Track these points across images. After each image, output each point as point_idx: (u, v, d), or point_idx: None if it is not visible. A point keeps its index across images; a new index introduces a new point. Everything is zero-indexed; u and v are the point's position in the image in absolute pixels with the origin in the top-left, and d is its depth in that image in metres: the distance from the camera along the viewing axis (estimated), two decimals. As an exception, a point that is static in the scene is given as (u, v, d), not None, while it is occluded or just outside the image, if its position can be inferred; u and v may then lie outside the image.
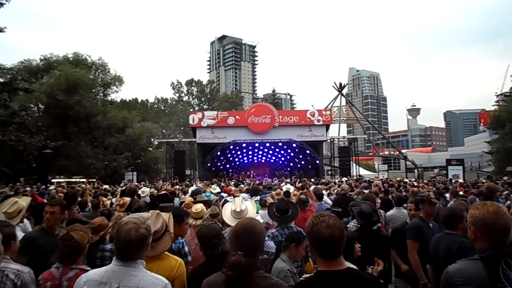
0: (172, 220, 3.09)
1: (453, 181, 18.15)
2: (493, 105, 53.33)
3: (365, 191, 10.84)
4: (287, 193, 7.84)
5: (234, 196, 8.55)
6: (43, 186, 19.21)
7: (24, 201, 4.39)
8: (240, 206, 4.10)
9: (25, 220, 4.62)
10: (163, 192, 9.68)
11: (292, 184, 14.06)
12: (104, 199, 9.43)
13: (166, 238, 2.86)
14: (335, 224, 1.88)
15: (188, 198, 7.63)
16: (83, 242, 2.74)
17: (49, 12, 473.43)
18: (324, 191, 9.40)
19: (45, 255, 3.18)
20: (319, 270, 1.93)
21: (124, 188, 12.59)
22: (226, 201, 7.27)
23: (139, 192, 9.70)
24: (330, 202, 8.38)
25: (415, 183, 14.52)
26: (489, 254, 1.90)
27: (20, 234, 3.99)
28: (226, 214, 4.19)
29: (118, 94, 45.37)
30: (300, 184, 12.71)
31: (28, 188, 16.31)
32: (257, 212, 5.32)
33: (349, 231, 4.12)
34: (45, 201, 7.24)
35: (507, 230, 1.92)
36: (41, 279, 2.58)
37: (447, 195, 8.82)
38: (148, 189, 11.09)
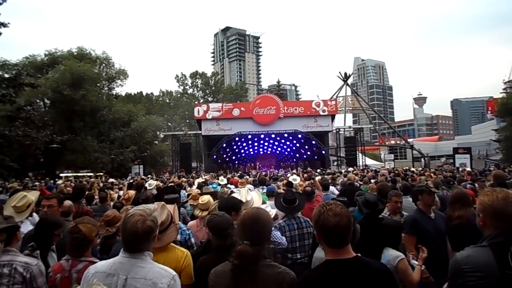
0: (177, 211, 3.10)
1: (460, 169, 18.06)
2: (501, 93, 52.76)
3: (372, 180, 10.85)
4: (290, 183, 7.82)
5: (240, 185, 8.62)
6: (51, 181, 19.38)
7: (33, 195, 4.43)
8: (246, 197, 4.12)
9: (34, 214, 4.65)
10: (170, 185, 9.70)
11: (298, 175, 14.09)
12: (112, 192, 9.51)
13: (171, 229, 2.87)
14: (342, 213, 1.88)
15: (194, 190, 7.68)
16: (91, 234, 2.75)
17: (52, 7, 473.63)
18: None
19: None
20: (327, 259, 1.93)
21: (131, 181, 12.67)
22: (232, 192, 7.31)
23: (146, 185, 9.78)
24: (336, 192, 8.38)
25: (422, 172, 14.46)
26: (498, 241, 1.88)
27: (29, 228, 4.05)
28: None
29: (123, 88, 45.59)
30: (306, 175, 12.70)
31: (36, 183, 16.49)
32: (264, 202, 5.31)
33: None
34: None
35: None
36: (51, 271, 2.61)
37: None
38: (155, 182, 11.15)
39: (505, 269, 1.80)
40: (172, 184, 10.08)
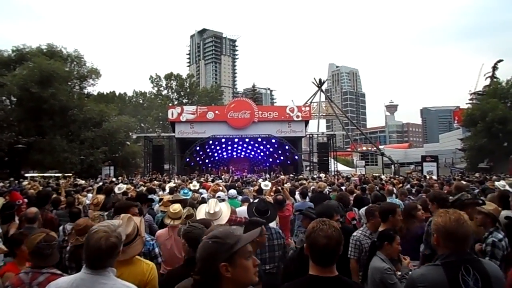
0: (143, 224, 3.08)
1: (428, 177, 18.64)
2: (467, 103, 54.76)
3: (342, 187, 11.06)
4: (260, 190, 7.90)
5: (213, 192, 8.57)
6: (16, 181, 18.68)
7: None
8: (214, 208, 4.13)
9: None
10: (139, 190, 9.53)
11: (270, 180, 14.17)
12: (80, 196, 9.24)
13: (137, 242, 2.84)
14: (333, 235, 1.94)
15: (166, 196, 7.59)
16: (54, 244, 2.70)
17: (21, 1, 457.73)
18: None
19: None
20: (310, 274, 1.99)
21: (101, 184, 12.36)
22: (203, 199, 7.28)
23: (116, 189, 9.59)
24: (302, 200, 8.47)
25: (393, 180, 14.81)
26: (450, 261, 1.99)
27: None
28: (201, 216, 4.19)
29: (95, 87, 44.13)
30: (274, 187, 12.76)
31: (0, 184, 15.88)
32: (234, 212, 5.32)
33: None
34: (25, 200, 7.05)
35: (468, 238, 2.01)
36: (9, 285, 2.53)
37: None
38: (125, 185, 10.93)
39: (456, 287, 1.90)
40: (141, 190, 9.87)
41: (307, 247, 2.02)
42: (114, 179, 19.72)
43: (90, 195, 9.40)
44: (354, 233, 4.02)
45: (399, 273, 3.05)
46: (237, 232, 1.61)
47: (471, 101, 53.04)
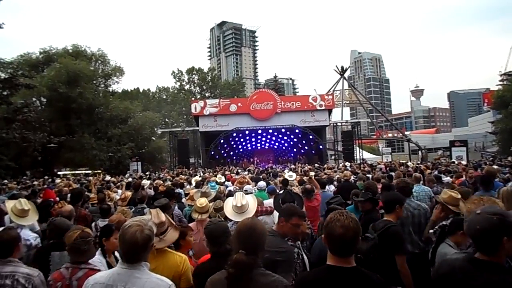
0: (169, 218, 3.19)
1: (456, 162, 18.12)
2: (497, 85, 52.62)
3: (368, 175, 10.92)
4: (285, 181, 7.88)
5: (239, 184, 8.64)
6: (50, 179, 19.38)
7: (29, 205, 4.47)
8: (241, 201, 4.17)
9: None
10: (165, 186, 9.70)
11: (295, 171, 14.16)
12: (110, 192, 9.51)
13: (172, 229, 2.99)
14: (350, 226, 1.94)
15: (192, 190, 7.71)
16: (89, 240, 2.81)
17: (46, 4, 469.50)
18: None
19: None
20: (327, 264, 2.01)
21: (130, 180, 12.68)
22: (230, 191, 7.36)
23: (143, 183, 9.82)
24: (333, 188, 8.43)
25: (422, 166, 14.48)
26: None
27: (28, 233, 4.10)
28: (228, 209, 4.26)
29: (120, 85, 45.15)
30: (302, 172, 12.72)
31: (35, 182, 16.49)
32: (262, 203, 5.38)
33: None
34: (57, 198, 7.33)
35: None
36: (51, 280, 2.66)
37: (446, 178, 8.80)
38: (148, 181, 11.21)
39: None
40: (169, 185, 10.04)
41: (325, 237, 2.03)
42: (142, 174, 20.17)
43: (120, 191, 9.66)
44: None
45: None
46: None
47: (501, 83, 50.89)
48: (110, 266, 3.01)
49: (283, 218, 3.11)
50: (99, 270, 2.58)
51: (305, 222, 3.33)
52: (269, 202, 5.78)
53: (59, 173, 30.13)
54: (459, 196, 3.76)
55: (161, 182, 11.37)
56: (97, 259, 3.00)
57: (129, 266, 2.06)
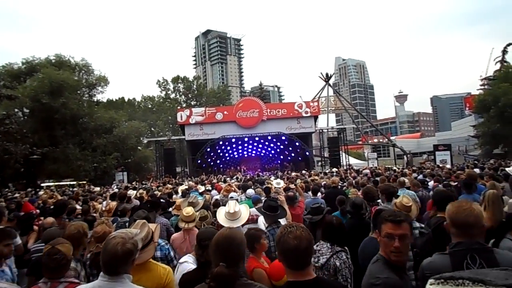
0: (159, 230, 3.13)
1: (441, 166, 18.42)
2: (478, 89, 53.87)
3: (354, 181, 10.99)
4: (267, 189, 7.90)
5: (225, 192, 8.61)
6: (33, 191, 18.99)
7: None
8: (234, 208, 4.19)
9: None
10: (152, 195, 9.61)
11: (281, 178, 14.19)
12: (95, 203, 9.38)
13: (150, 247, 2.89)
14: (302, 236, 1.92)
15: (179, 200, 7.65)
16: (69, 253, 2.76)
17: (27, 12, 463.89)
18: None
19: None
20: (288, 281, 1.97)
21: (115, 191, 12.51)
22: (216, 200, 7.32)
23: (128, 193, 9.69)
24: (319, 195, 8.45)
25: (406, 171, 14.66)
26: (458, 249, 2.03)
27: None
28: (221, 217, 4.27)
29: (104, 95, 44.90)
30: (288, 180, 12.74)
31: (17, 194, 16.15)
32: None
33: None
34: (37, 210, 7.20)
35: (475, 227, 2.02)
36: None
37: (430, 183, 8.94)
38: (134, 191, 11.06)
39: None
40: (155, 195, 9.95)
41: (279, 253, 1.99)
42: (128, 185, 19.93)
43: (104, 202, 9.52)
44: None
45: None
46: None
47: (482, 87, 52.11)
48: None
49: None
50: (79, 283, 2.53)
51: None
52: (253, 210, 5.78)
53: (42, 184, 29.54)
54: (411, 204, 4.11)
55: (145, 192, 11.18)
56: None
57: (110, 279, 2.03)
